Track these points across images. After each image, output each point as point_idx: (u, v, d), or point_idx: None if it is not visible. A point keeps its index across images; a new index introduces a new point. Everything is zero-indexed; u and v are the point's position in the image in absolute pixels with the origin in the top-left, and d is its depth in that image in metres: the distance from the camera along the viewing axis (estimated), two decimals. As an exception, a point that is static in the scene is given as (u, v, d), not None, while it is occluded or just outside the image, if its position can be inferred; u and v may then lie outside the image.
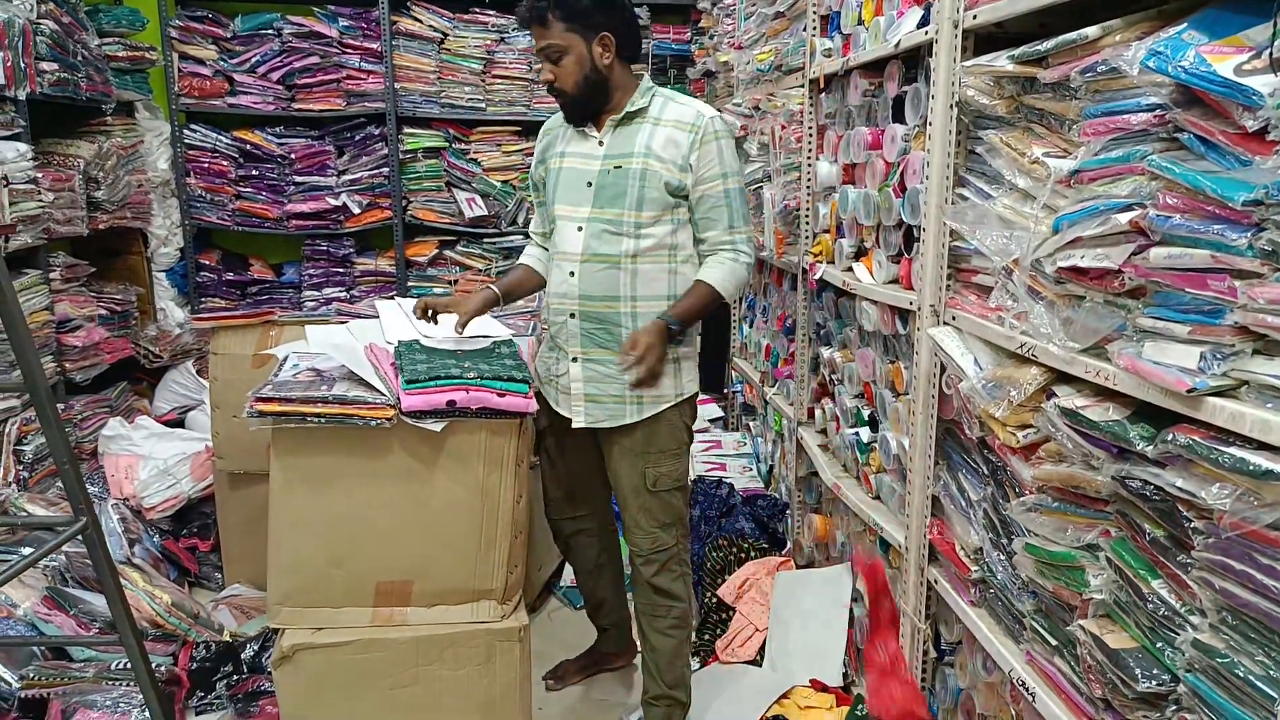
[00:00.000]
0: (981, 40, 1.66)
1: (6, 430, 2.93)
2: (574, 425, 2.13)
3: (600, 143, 2.08)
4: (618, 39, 2.01)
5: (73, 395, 3.38)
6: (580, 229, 2.06)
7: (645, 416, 2.09)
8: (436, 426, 1.90)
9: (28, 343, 1.63)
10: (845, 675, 2.40)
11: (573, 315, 2.09)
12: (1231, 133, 1.03)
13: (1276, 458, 0.96)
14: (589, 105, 2.06)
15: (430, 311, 2.14)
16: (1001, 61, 1.47)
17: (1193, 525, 1.07)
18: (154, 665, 2.00)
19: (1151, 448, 1.13)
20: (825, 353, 2.59)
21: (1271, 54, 0.97)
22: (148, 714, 1.96)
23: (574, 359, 2.10)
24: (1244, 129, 1.01)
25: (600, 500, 2.38)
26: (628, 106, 2.05)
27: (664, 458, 2.11)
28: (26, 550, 2.51)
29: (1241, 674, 1.01)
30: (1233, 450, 1.01)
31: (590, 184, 2.06)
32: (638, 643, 2.26)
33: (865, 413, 2.32)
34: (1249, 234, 0.98)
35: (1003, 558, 1.58)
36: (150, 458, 3.17)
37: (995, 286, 1.57)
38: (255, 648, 2.47)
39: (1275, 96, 0.96)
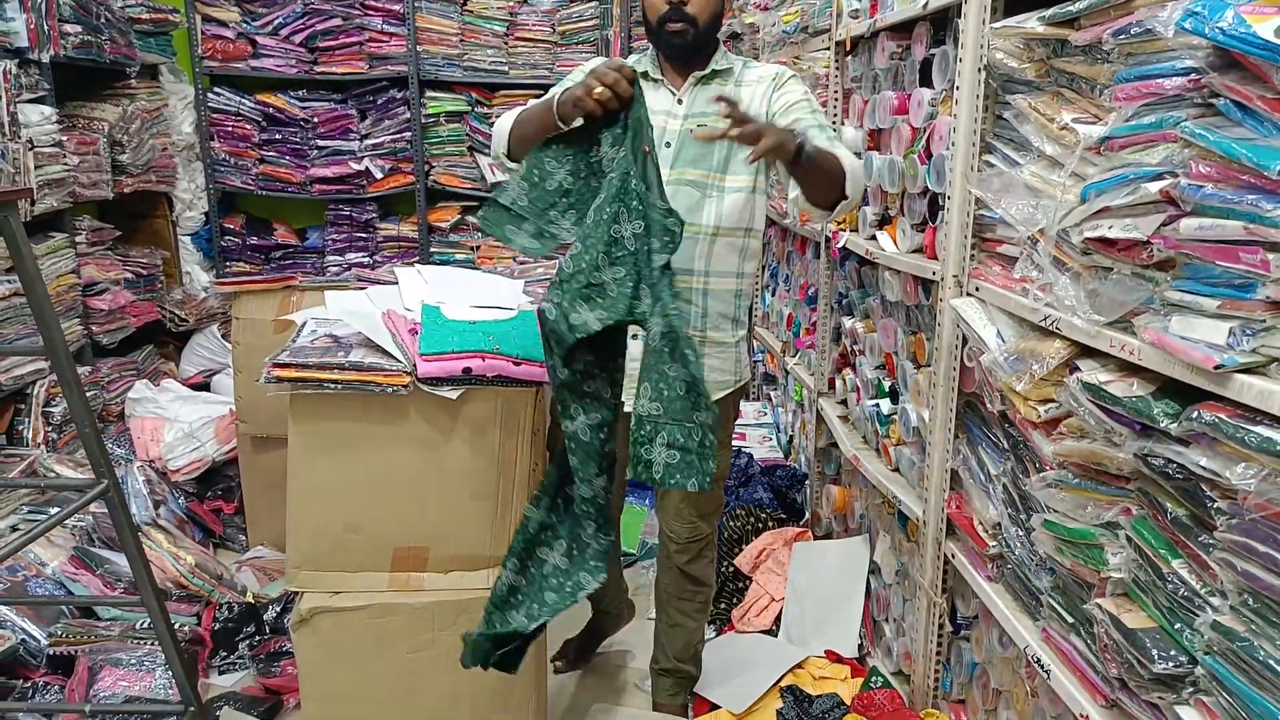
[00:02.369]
0: (1012, 1, 1.61)
1: (35, 392, 2.98)
2: (626, 409, 1.80)
3: (680, 100, 1.93)
4: (726, 5, 1.87)
5: (99, 358, 3.42)
6: None
7: None
8: (453, 394, 1.89)
9: (48, 308, 1.64)
10: (860, 647, 2.40)
11: None
12: (1270, 98, 0.99)
13: (1305, 438, 0.93)
14: (702, 48, 1.90)
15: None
16: (1031, 23, 1.42)
17: (1216, 505, 1.05)
18: (178, 625, 2.04)
19: (1176, 425, 1.10)
20: (847, 323, 2.55)
21: (1315, 14, 0.92)
22: (171, 671, 2.00)
23: (634, 335, 1.76)
24: (1283, 94, 0.96)
25: (617, 488, 2.27)
26: (713, 65, 1.92)
27: (720, 449, 1.87)
28: (55, 510, 2.56)
29: (1261, 658, 0.99)
30: (1260, 429, 0.98)
31: (669, 144, 1.90)
32: (656, 616, 2.25)
33: (886, 384, 2.29)
34: (1285, 205, 0.94)
35: (1021, 533, 1.55)
36: (176, 420, 3.21)
37: (1020, 257, 1.53)
38: (277, 609, 2.51)
39: (1317, 60, 0.91)
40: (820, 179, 1.72)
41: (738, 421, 3.68)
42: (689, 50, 1.89)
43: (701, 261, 1.92)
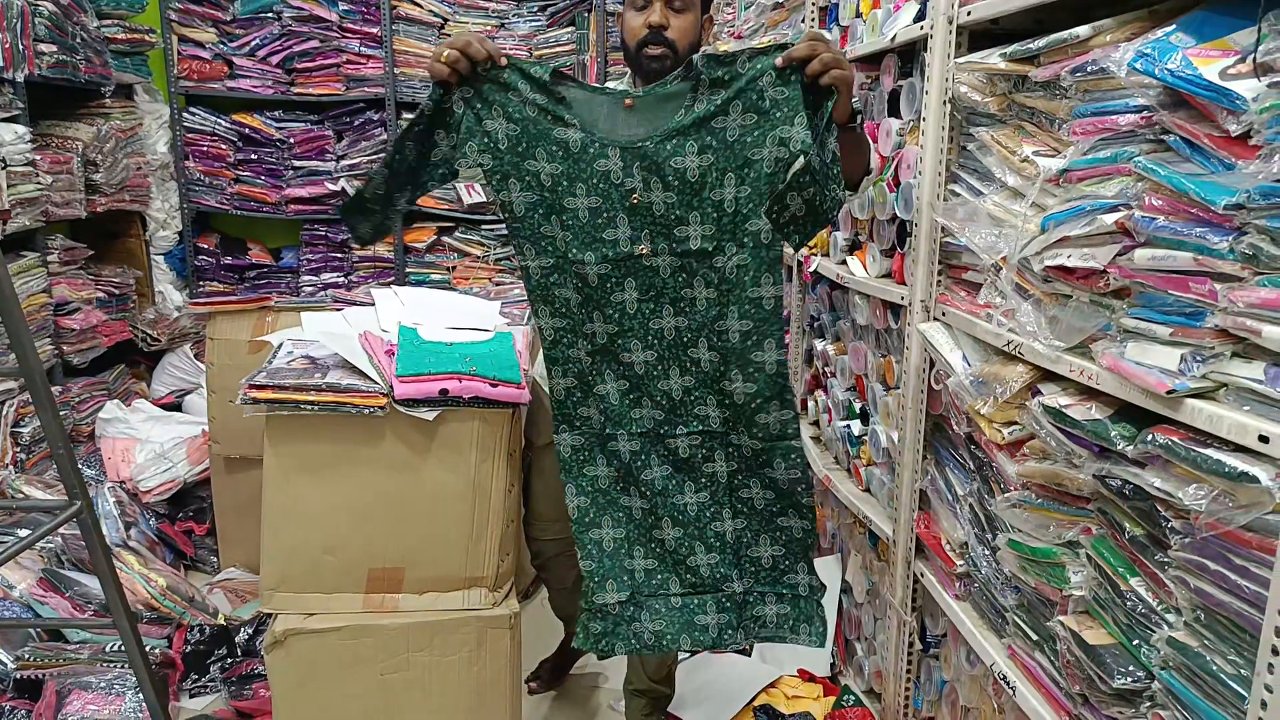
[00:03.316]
0: (977, 36, 1.67)
1: (4, 413, 2.95)
2: None
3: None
4: (704, 34, 1.89)
5: (70, 378, 3.39)
6: None
7: None
8: (429, 415, 1.91)
9: (22, 327, 1.64)
10: (833, 666, 2.43)
11: None
12: (1216, 136, 1.04)
13: (1252, 460, 0.97)
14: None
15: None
16: (994, 59, 1.48)
17: (1170, 525, 1.08)
18: (149, 648, 2.03)
19: (1132, 447, 1.14)
20: (819, 345, 2.60)
21: (1255, 59, 0.97)
22: (142, 695, 1.98)
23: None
24: (1228, 133, 1.01)
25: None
26: None
27: None
28: (23, 532, 2.53)
29: (1214, 671, 1.02)
30: (1210, 452, 1.02)
31: None
32: None
33: (857, 406, 2.33)
34: (1230, 237, 0.98)
35: (987, 553, 1.59)
36: (147, 441, 3.19)
37: (984, 283, 1.58)
38: (249, 631, 2.49)
39: (1258, 101, 0.96)
40: (860, 147, 1.71)
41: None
42: (667, 75, 1.92)
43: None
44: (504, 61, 1.54)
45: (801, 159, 1.45)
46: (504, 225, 1.66)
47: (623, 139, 1.54)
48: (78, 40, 3.39)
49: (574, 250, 1.59)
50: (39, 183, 3.10)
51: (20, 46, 3.02)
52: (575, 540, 1.72)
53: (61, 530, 2.54)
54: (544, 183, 1.57)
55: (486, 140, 1.55)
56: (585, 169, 1.55)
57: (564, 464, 1.70)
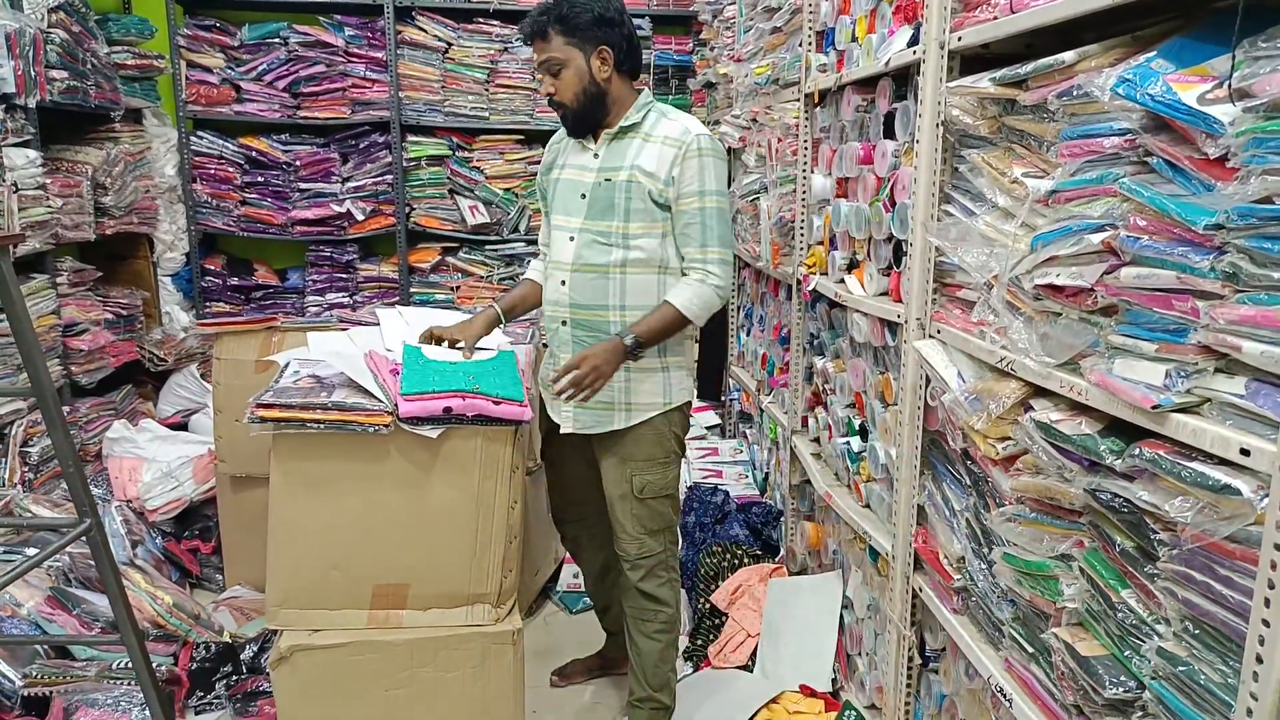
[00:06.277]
0: (968, 60, 1.70)
1: (13, 432, 2.98)
2: (562, 430, 2.18)
3: (596, 155, 2.12)
4: (616, 54, 2.06)
5: (78, 398, 3.43)
6: (572, 239, 2.11)
7: (633, 423, 2.12)
8: (433, 433, 1.94)
9: (35, 348, 1.67)
10: (834, 681, 2.44)
11: (564, 323, 2.14)
12: (1196, 158, 1.07)
13: (1234, 473, 1.00)
14: (587, 118, 2.10)
15: (440, 340, 2.19)
16: (984, 83, 1.51)
17: (1158, 537, 1.11)
18: (154, 665, 2.05)
19: (1120, 461, 1.17)
20: (819, 362, 2.62)
21: (1231, 84, 1.01)
22: (148, 713, 2.00)
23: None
24: (1207, 155, 1.05)
25: (598, 505, 2.40)
26: (622, 121, 2.09)
27: (651, 465, 2.13)
28: (31, 551, 2.57)
29: (1202, 681, 1.04)
30: (1194, 465, 1.04)
31: (584, 195, 2.11)
32: (627, 645, 2.29)
33: (856, 422, 2.35)
34: (1211, 256, 1.02)
35: (984, 566, 1.61)
36: (154, 460, 3.22)
37: (978, 301, 1.61)
38: (254, 648, 2.51)
39: (1235, 125, 1.00)
40: (668, 333, 2.08)
41: (714, 459, 3.79)
42: (574, 124, 2.13)
43: (616, 297, 2.08)
44: None
45: None
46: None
47: None
48: (88, 66, 3.46)
49: None
50: (49, 206, 3.15)
51: (33, 73, 3.08)
52: None
53: (69, 549, 2.57)
54: None
55: None
56: None
57: None
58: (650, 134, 2.08)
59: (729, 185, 2.12)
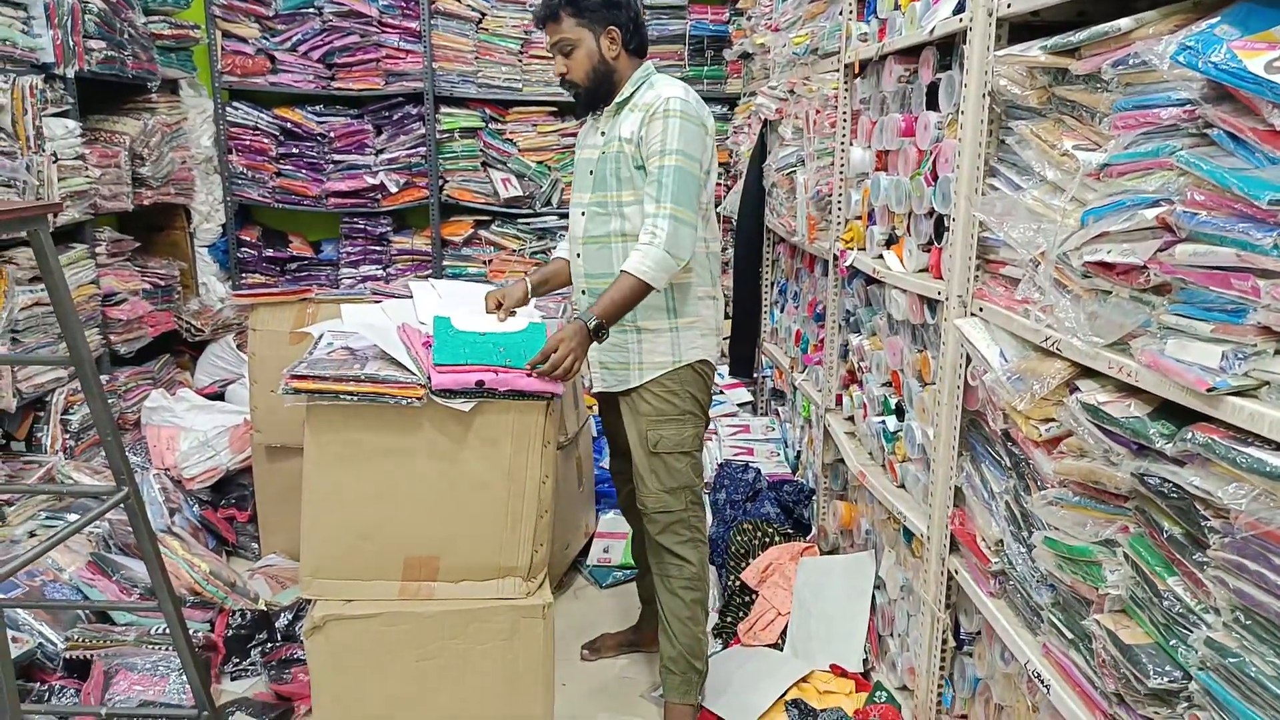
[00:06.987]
0: (1017, 29, 1.65)
1: (54, 400, 3.03)
2: (593, 391, 2.31)
3: (602, 133, 2.20)
4: (624, 34, 2.14)
5: (117, 367, 3.48)
6: (583, 214, 2.21)
7: (645, 380, 2.19)
8: (465, 406, 1.93)
9: (73, 317, 1.69)
10: (865, 661, 2.42)
11: (584, 292, 2.25)
12: (1261, 130, 1.02)
13: (1294, 459, 0.96)
14: (598, 96, 2.18)
15: (500, 304, 2.20)
16: (1034, 51, 1.46)
17: (1209, 524, 1.07)
18: (191, 631, 2.08)
19: (1171, 445, 1.13)
20: (854, 340, 2.58)
21: (1303, 51, 0.96)
22: (185, 677, 2.03)
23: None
24: (1273, 126, 1.00)
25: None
26: (618, 97, 2.16)
27: (663, 421, 2.18)
28: (72, 517, 2.61)
29: (1253, 674, 1.01)
30: (1251, 451, 1.00)
31: (591, 172, 2.20)
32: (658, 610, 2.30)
33: (892, 401, 2.32)
34: (1274, 233, 0.97)
35: (1023, 550, 1.58)
36: (191, 429, 3.26)
37: (1022, 279, 1.56)
38: (289, 617, 2.54)
39: (1306, 94, 0.95)
40: (631, 303, 2.05)
41: (746, 436, 3.76)
42: (586, 102, 2.21)
43: (619, 265, 2.09)
44: None
45: None
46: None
47: None
48: (125, 36, 3.47)
49: None
50: (88, 176, 3.17)
51: (71, 43, 3.10)
52: None
53: (109, 515, 2.61)
54: None
55: None
56: None
57: None
58: (636, 104, 2.14)
59: (706, 152, 2.10)
